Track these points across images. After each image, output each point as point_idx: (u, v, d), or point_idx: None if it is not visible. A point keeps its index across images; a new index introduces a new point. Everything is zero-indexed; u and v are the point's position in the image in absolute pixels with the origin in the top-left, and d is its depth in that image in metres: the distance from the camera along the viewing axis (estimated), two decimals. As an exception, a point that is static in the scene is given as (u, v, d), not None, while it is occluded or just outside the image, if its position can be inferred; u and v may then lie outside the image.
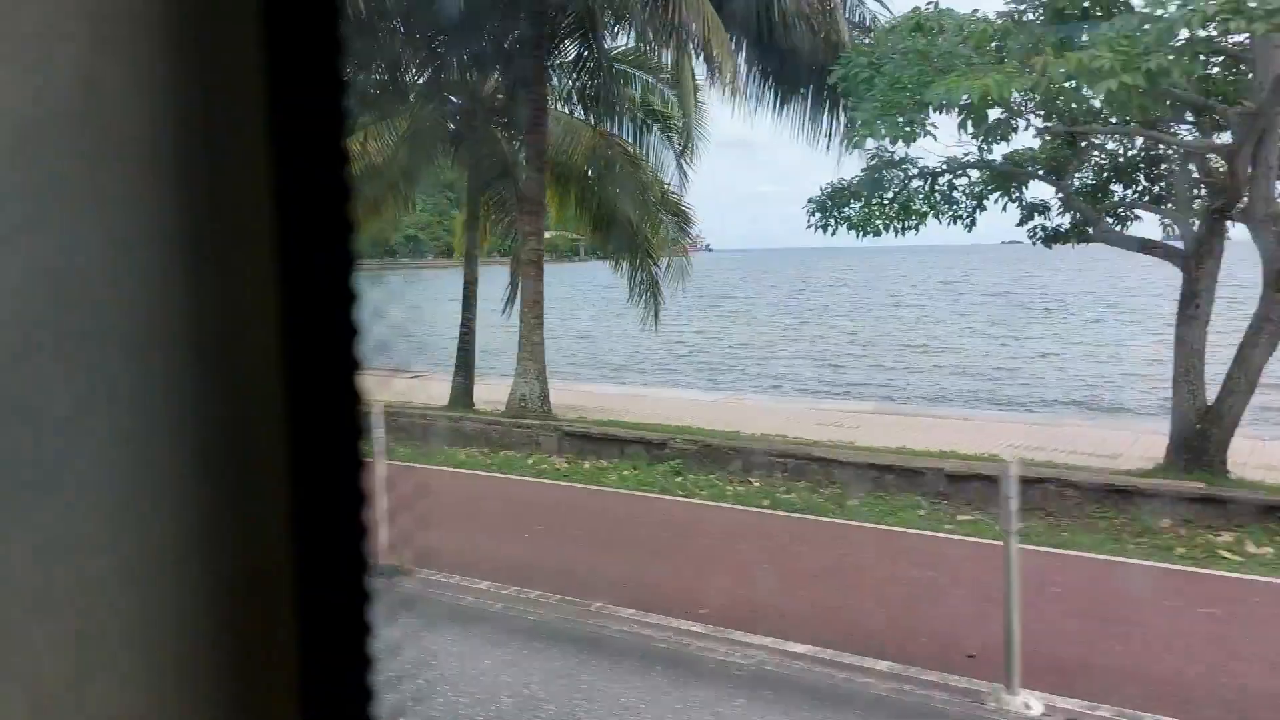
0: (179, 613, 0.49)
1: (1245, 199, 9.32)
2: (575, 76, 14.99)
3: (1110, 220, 11.18)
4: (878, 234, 11.34)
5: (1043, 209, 11.49)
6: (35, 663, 0.46)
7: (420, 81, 15.03)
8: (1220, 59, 9.64)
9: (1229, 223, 9.66)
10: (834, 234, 11.80)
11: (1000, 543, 5.35)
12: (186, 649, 0.49)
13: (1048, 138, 10.76)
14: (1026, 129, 10.52)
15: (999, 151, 10.81)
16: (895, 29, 10.37)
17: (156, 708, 0.49)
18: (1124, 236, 10.95)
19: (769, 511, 9.22)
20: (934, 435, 13.51)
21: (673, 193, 16.25)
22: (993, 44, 9.55)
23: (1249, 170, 9.12)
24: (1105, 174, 11.39)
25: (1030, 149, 11.02)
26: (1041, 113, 10.34)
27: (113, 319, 0.47)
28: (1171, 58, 7.74)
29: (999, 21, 9.82)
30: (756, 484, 10.29)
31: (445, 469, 11.08)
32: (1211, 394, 9.75)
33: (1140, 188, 11.33)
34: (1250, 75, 9.39)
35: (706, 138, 15.40)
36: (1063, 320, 39.49)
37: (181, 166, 0.49)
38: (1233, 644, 5.87)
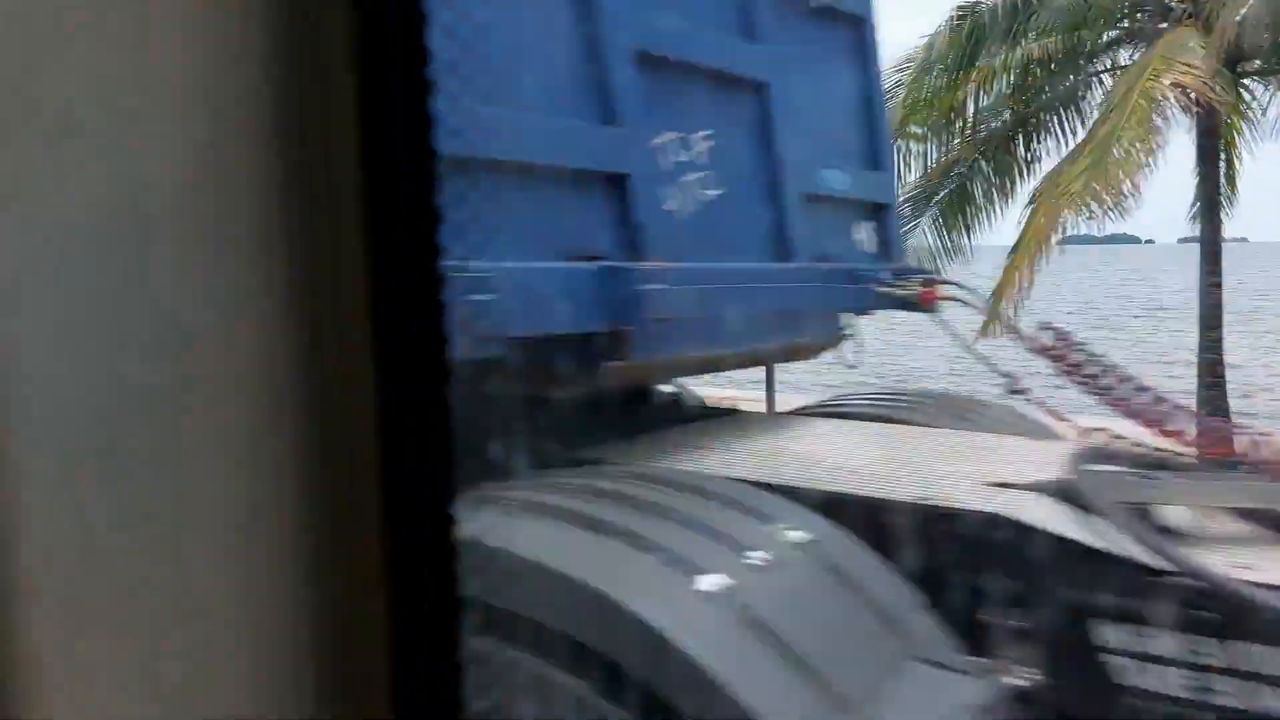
0: (283, 626, 0.56)
1: None
2: None
3: None
4: None
5: None
6: (164, 671, 0.53)
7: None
8: None
9: None
10: None
11: None
12: (294, 649, 0.57)
13: None
14: None
15: None
16: None
17: (270, 712, 0.56)
18: None
19: None
20: None
21: None
22: None
23: None
24: None
25: None
26: None
27: (233, 362, 0.55)
28: None
29: None
30: None
31: None
32: None
33: None
34: None
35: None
36: None
37: (285, 225, 0.55)
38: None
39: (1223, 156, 11.05)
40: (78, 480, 0.50)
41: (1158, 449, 3.32)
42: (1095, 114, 10.37)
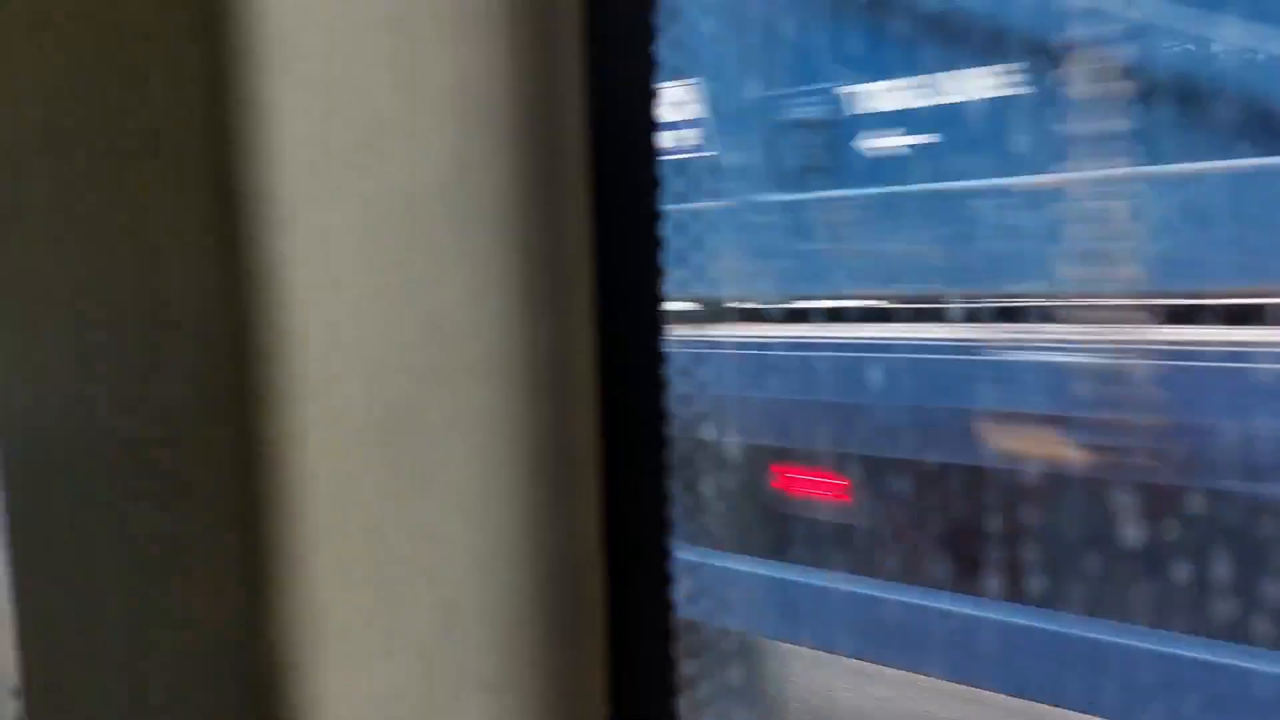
0: (513, 589, 0.60)
1: None
2: None
3: None
4: None
5: None
6: (415, 625, 0.57)
7: None
8: None
9: None
10: None
11: None
12: (519, 619, 0.60)
13: None
14: None
15: None
16: None
17: (501, 666, 0.60)
18: None
19: None
20: None
21: None
22: None
23: None
24: None
25: None
26: None
27: (472, 351, 0.59)
28: None
29: None
30: None
31: None
32: None
33: None
34: None
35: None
36: None
37: (521, 225, 0.60)
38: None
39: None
40: (351, 455, 0.54)
41: None
42: None
